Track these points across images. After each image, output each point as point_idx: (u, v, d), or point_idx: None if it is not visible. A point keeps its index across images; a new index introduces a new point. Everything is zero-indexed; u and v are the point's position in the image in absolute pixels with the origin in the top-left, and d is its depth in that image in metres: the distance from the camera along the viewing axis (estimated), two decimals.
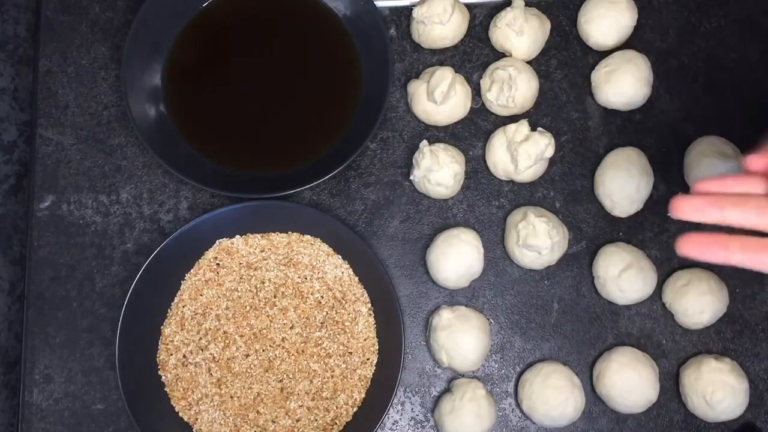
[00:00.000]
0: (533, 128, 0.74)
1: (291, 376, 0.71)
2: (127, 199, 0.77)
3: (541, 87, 0.77)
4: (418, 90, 0.76)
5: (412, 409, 0.73)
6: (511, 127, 0.73)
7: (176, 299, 0.73)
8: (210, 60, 0.78)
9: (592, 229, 0.75)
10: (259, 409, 0.71)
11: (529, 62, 0.78)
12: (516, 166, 0.73)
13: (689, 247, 0.50)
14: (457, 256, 0.72)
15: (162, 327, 0.72)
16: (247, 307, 0.72)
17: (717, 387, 0.68)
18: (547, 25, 0.78)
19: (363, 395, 0.71)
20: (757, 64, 0.78)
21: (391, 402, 0.68)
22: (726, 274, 0.74)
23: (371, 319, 0.72)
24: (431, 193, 0.75)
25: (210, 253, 0.74)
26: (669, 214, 0.50)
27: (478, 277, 0.74)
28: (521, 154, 0.72)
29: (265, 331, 0.72)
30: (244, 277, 0.73)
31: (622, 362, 0.70)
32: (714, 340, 0.73)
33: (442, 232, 0.74)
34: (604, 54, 0.77)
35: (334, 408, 0.71)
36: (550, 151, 0.72)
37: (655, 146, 0.77)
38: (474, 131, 0.77)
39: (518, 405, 0.72)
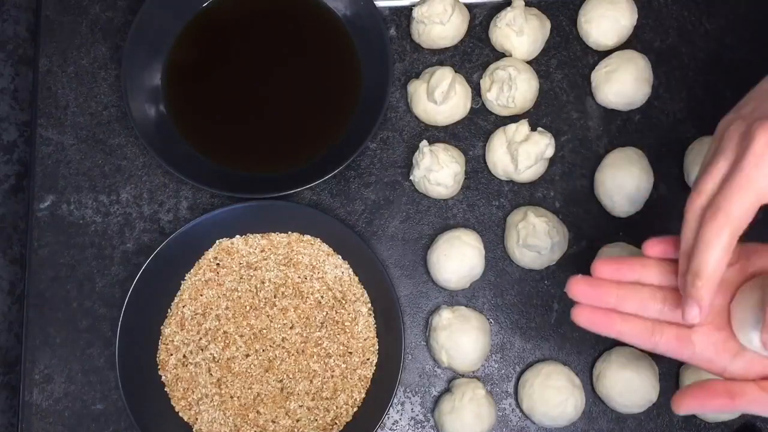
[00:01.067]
0: (533, 128, 0.74)
1: (291, 376, 0.71)
2: (127, 199, 0.77)
3: (541, 87, 0.77)
4: (418, 90, 0.76)
5: (412, 409, 0.73)
6: (511, 127, 0.73)
7: (176, 299, 0.73)
8: (210, 60, 0.78)
9: (592, 229, 0.75)
10: (259, 409, 0.71)
11: (529, 62, 0.78)
12: (516, 166, 0.73)
13: (581, 318, 0.53)
14: (459, 258, 0.72)
15: (162, 327, 0.72)
16: (247, 307, 0.72)
17: None
18: (547, 25, 0.78)
19: (363, 395, 0.71)
20: (757, 64, 0.78)
21: (391, 402, 0.68)
22: None
23: (371, 319, 0.72)
24: (431, 193, 0.75)
25: (210, 253, 0.74)
26: (568, 292, 0.54)
27: (478, 278, 0.74)
28: (521, 154, 0.72)
29: (265, 331, 0.72)
30: (244, 277, 0.73)
31: (622, 362, 0.70)
32: None
33: (443, 233, 0.74)
34: (604, 54, 0.77)
35: (334, 408, 0.71)
36: (550, 151, 0.72)
37: (655, 146, 0.77)
38: (474, 131, 0.77)
39: (518, 405, 0.72)
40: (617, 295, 0.53)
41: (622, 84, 0.75)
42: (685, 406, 0.52)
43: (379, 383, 0.71)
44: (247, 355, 0.72)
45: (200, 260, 0.73)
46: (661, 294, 0.53)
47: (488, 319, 0.73)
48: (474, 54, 0.79)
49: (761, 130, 0.47)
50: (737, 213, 0.47)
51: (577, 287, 0.53)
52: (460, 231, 0.73)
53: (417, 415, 0.73)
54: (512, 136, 0.73)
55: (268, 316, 0.72)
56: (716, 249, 0.48)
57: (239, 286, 0.73)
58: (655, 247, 0.54)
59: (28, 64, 0.85)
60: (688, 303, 0.49)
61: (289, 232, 0.74)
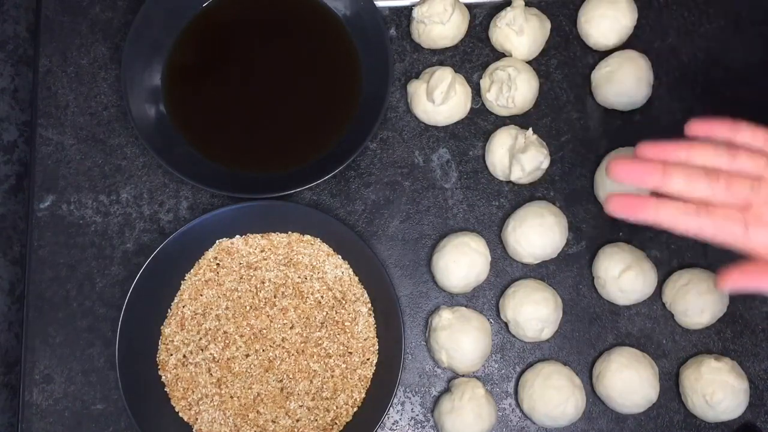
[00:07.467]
0: (534, 128, 0.74)
1: (291, 376, 0.71)
2: (127, 199, 0.77)
3: (541, 87, 0.77)
4: (418, 90, 0.76)
5: (412, 409, 0.73)
6: (512, 133, 0.73)
7: (176, 299, 0.73)
8: (210, 60, 0.78)
9: (592, 229, 0.75)
10: (259, 409, 0.71)
11: (529, 62, 0.78)
12: (511, 173, 0.73)
13: (617, 205, 0.50)
14: (468, 265, 0.71)
15: (162, 327, 0.72)
16: (247, 307, 0.72)
17: (717, 387, 0.68)
18: (547, 25, 0.78)
19: (363, 395, 0.71)
20: (757, 64, 0.78)
21: (391, 402, 0.68)
22: None
23: (371, 319, 0.72)
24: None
25: (210, 253, 0.74)
26: (607, 176, 0.50)
27: (482, 282, 0.74)
28: (515, 165, 0.72)
29: (265, 331, 0.72)
30: (244, 277, 0.73)
31: (622, 362, 0.70)
32: (714, 340, 0.73)
33: (448, 236, 0.74)
34: (604, 54, 0.77)
35: (334, 408, 0.71)
36: (545, 165, 0.73)
37: None
38: (474, 131, 0.77)
39: (518, 405, 0.72)
40: (663, 173, 0.50)
41: (622, 84, 0.75)
42: (732, 281, 0.49)
43: (379, 383, 0.71)
44: (247, 355, 0.72)
45: (200, 260, 0.73)
46: (713, 173, 0.50)
47: (488, 319, 0.73)
48: (474, 54, 0.79)
49: None
50: None
51: (619, 166, 0.50)
52: (468, 237, 0.73)
53: (417, 415, 0.73)
54: (513, 143, 0.73)
55: (268, 316, 0.72)
56: None
57: (239, 286, 0.73)
58: (698, 127, 0.52)
59: (28, 64, 0.85)
60: None
61: (289, 232, 0.74)
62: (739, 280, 0.49)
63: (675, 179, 0.50)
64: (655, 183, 0.50)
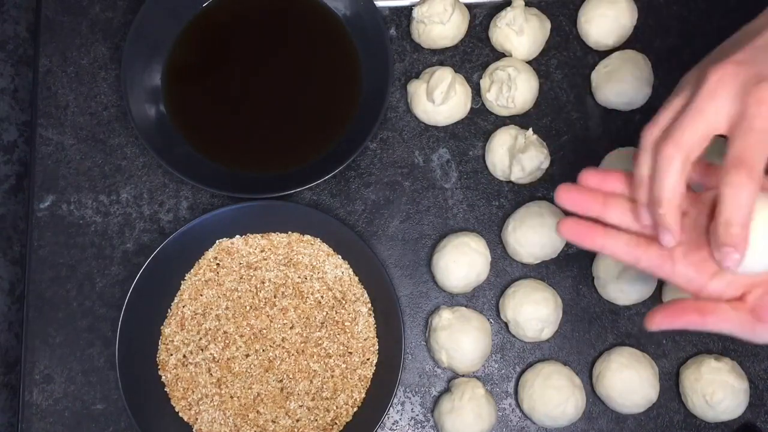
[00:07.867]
0: (534, 129, 0.74)
1: (291, 376, 0.71)
2: (127, 199, 0.77)
3: (541, 87, 0.77)
4: (418, 90, 0.76)
5: (412, 409, 0.73)
6: (512, 133, 0.73)
7: (176, 299, 0.73)
8: (210, 60, 0.78)
9: None
10: (259, 409, 0.71)
11: (529, 62, 0.78)
12: (511, 173, 0.73)
13: (568, 231, 0.53)
14: (468, 265, 0.71)
15: (162, 327, 0.72)
16: (247, 307, 0.72)
17: (717, 387, 0.68)
18: (547, 25, 0.78)
19: (363, 395, 0.71)
20: None
21: (391, 402, 0.68)
22: None
23: (371, 319, 0.72)
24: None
25: (210, 253, 0.74)
26: (555, 201, 0.54)
27: (482, 282, 0.74)
28: (515, 165, 0.72)
29: (265, 331, 0.72)
30: (244, 277, 0.73)
31: (622, 362, 0.70)
32: (714, 340, 0.73)
33: (448, 236, 0.74)
34: (604, 54, 0.77)
35: (334, 408, 0.71)
36: (545, 165, 0.73)
37: None
38: (474, 131, 0.77)
39: (518, 405, 0.72)
40: (603, 203, 0.53)
41: (622, 84, 0.75)
42: (656, 322, 0.51)
43: (379, 383, 0.71)
44: (247, 355, 0.72)
45: (200, 260, 0.74)
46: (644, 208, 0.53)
47: (488, 319, 0.73)
48: (474, 54, 0.79)
49: (712, 70, 0.50)
50: (689, 140, 0.49)
51: (565, 194, 0.54)
52: (468, 237, 0.73)
53: (417, 415, 0.73)
54: (513, 143, 0.73)
55: (268, 316, 0.72)
56: (670, 175, 0.49)
57: (239, 286, 0.73)
58: (590, 177, 0.54)
59: (28, 64, 0.85)
60: (659, 229, 0.50)
61: (289, 232, 0.74)
62: (663, 321, 0.51)
63: (612, 211, 0.53)
64: (596, 212, 0.53)
